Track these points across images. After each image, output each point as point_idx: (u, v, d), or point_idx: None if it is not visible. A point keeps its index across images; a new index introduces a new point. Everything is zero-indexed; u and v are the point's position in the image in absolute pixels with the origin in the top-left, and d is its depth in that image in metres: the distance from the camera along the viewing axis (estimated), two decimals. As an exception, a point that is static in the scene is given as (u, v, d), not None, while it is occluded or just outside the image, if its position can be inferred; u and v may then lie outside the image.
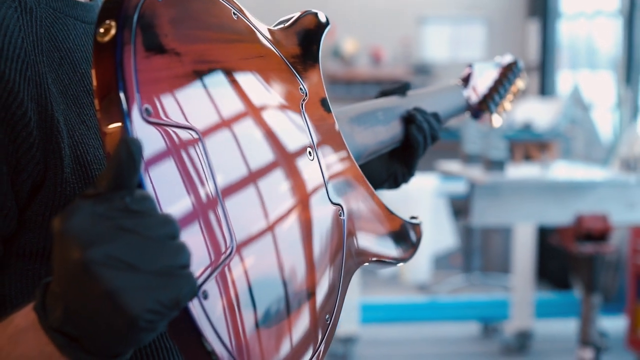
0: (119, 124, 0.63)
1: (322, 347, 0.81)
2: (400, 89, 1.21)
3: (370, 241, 0.95)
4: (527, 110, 6.24)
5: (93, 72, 0.65)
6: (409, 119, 1.16)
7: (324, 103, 0.95)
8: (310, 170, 0.86)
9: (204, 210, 0.68)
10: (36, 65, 0.78)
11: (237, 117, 0.78)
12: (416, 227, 1.06)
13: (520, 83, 1.48)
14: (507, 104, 1.44)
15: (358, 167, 0.98)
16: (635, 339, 4.33)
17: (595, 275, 3.47)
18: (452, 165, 4.72)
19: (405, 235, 1.02)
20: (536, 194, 3.96)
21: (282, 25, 0.95)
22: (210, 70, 0.76)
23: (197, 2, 0.77)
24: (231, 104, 0.77)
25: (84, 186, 0.80)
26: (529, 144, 5.93)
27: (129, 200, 0.60)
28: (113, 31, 0.65)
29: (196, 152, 0.70)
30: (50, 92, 0.79)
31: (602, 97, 6.80)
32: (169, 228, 0.61)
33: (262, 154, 0.79)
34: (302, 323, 0.78)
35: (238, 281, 0.70)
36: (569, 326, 4.66)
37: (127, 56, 0.65)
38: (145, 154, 0.63)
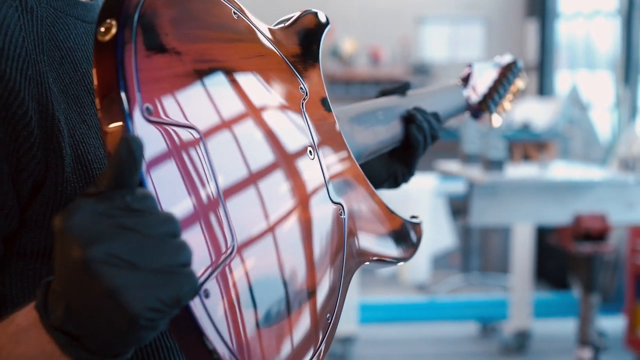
0: (120, 123, 0.63)
1: (322, 347, 0.81)
2: (400, 88, 1.21)
3: (371, 241, 0.95)
4: (526, 110, 6.25)
5: (94, 71, 0.65)
6: (409, 119, 1.17)
7: (324, 102, 0.95)
8: (310, 169, 0.86)
9: (205, 209, 0.68)
10: (37, 64, 0.78)
11: (238, 117, 0.78)
12: (416, 226, 1.06)
13: (519, 83, 1.48)
14: (506, 104, 1.44)
15: (358, 167, 0.98)
16: (634, 338, 4.34)
17: (593, 275, 3.47)
18: (451, 165, 4.72)
19: (405, 234, 1.02)
20: (535, 194, 3.96)
21: (282, 25, 0.95)
22: (210, 70, 0.76)
23: (198, 2, 0.77)
24: (232, 104, 0.77)
25: (84, 185, 0.80)
26: (527, 144, 5.93)
27: (129, 199, 0.60)
28: (114, 30, 0.65)
29: (197, 151, 0.70)
30: (51, 92, 0.79)
31: (600, 97, 6.80)
32: (170, 226, 0.61)
33: (263, 154, 0.79)
34: (302, 323, 0.78)
35: (239, 281, 0.70)
36: (567, 326, 4.66)
37: (128, 55, 0.65)
38: (146, 153, 0.63)
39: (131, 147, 0.59)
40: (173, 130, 0.68)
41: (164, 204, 0.64)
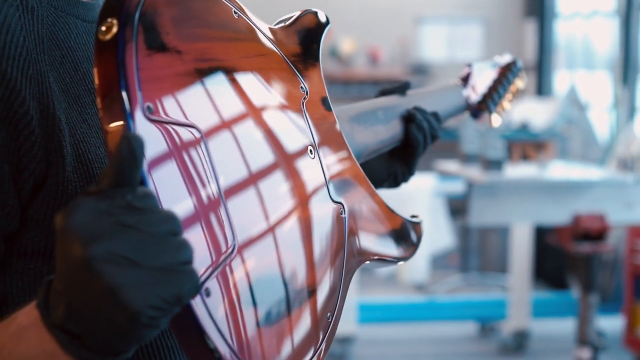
0: (121, 122, 0.63)
1: (323, 347, 0.81)
2: (400, 88, 1.21)
3: (372, 240, 0.95)
4: (524, 110, 6.25)
5: (95, 71, 0.65)
6: (409, 118, 1.17)
7: (324, 102, 0.95)
8: (311, 169, 0.86)
9: (206, 208, 0.68)
10: (38, 63, 0.78)
11: (239, 116, 0.78)
12: (416, 226, 1.06)
13: (519, 83, 1.48)
14: (506, 104, 1.45)
15: (359, 166, 0.98)
16: (633, 338, 4.34)
17: (592, 275, 3.47)
18: (450, 165, 4.72)
19: (406, 234, 1.02)
20: (534, 194, 3.96)
21: (282, 24, 0.96)
22: (211, 69, 0.76)
23: (199, 1, 0.77)
24: (232, 103, 0.77)
25: (85, 185, 0.80)
26: (526, 144, 5.93)
27: (130, 197, 0.60)
28: (115, 29, 0.65)
29: (198, 150, 0.70)
30: (51, 91, 0.79)
31: (598, 97, 6.80)
32: (171, 224, 0.61)
33: (263, 153, 0.79)
34: (303, 322, 0.78)
35: (240, 280, 0.70)
36: (566, 326, 4.66)
37: (128, 54, 0.65)
38: (147, 151, 0.63)
39: (132, 146, 0.59)
40: (174, 129, 0.68)
41: (164, 203, 0.64)
